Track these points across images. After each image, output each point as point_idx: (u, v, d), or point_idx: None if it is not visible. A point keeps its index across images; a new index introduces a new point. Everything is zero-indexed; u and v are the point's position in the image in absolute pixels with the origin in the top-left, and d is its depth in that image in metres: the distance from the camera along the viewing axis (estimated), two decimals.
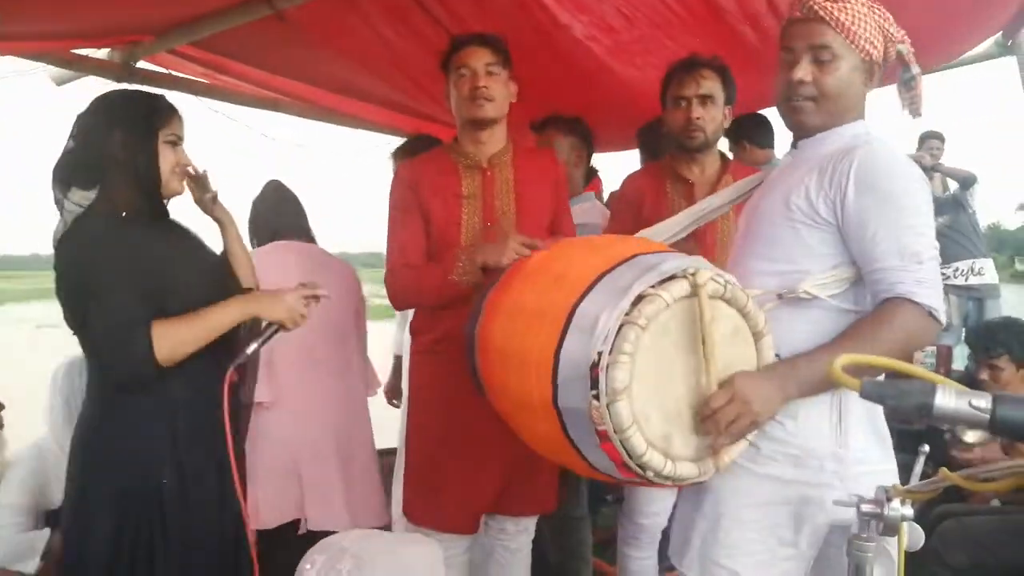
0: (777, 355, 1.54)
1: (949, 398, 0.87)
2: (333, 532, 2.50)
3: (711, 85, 2.36)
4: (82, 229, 1.72)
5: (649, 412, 1.43)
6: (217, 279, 1.91)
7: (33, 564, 2.27)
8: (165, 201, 1.87)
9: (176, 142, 1.84)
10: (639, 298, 1.42)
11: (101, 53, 3.07)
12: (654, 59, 2.77)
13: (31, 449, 2.48)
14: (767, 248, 1.62)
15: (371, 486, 2.87)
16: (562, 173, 2.45)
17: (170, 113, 1.85)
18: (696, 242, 2.19)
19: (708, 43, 2.60)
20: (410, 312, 2.63)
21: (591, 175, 3.87)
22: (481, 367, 1.85)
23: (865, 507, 1.13)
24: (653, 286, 1.42)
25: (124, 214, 1.77)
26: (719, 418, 1.42)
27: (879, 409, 1.56)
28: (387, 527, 2.94)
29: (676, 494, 2.09)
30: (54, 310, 1.82)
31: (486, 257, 2.07)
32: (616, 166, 5.00)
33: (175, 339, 1.69)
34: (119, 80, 3.11)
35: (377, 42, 2.85)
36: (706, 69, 2.36)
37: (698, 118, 2.35)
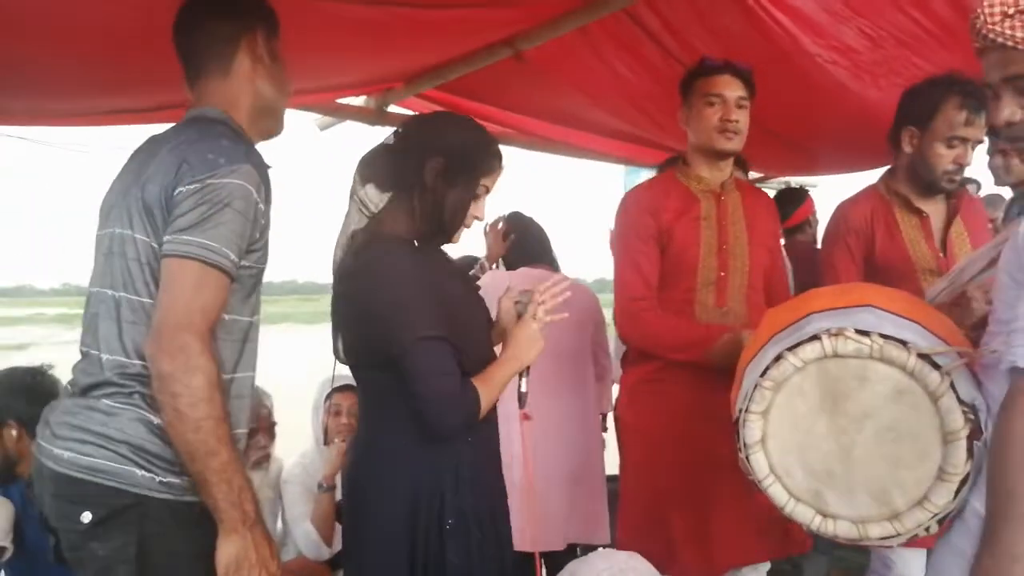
0: (975, 413, 1.31)
1: None
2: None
3: (983, 133, 2.22)
4: (380, 256, 1.59)
5: (791, 467, 1.46)
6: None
7: (328, 551, 2.60)
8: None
9: (484, 193, 1.73)
10: (778, 358, 1.45)
11: (359, 100, 3.41)
12: (900, 79, 2.62)
13: (296, 467, 2.80)
14: (995, 309, 1.37)
15: (595, 509, 2.91)
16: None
17: (497, 165, 1.73)
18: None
19: (963, 56, 2.42)
20: None
21: (803, 196, 3.77)
22: None
23: None
24: (790, 348, 1.44)
25: (415, 242, 1.67)
26: None
27: None
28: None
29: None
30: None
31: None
32: (831, 188, 4.84)
33: (487, 400, 1.62)
34: (372, 124, 3.44)
35: (608, 75, 2.94)
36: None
37: (968, 164, 2.24)
